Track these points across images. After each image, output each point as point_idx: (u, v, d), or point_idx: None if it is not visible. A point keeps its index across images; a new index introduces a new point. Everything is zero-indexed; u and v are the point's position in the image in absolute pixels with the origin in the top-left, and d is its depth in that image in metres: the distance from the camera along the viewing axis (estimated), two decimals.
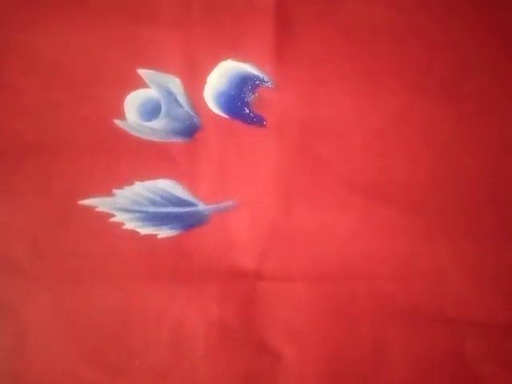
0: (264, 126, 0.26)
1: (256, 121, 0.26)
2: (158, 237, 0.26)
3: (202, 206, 0.26)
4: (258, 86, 0.26)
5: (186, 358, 0.25)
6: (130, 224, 0.26)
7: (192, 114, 0.26)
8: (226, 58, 0.26)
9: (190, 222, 0.26)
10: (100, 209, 0.26)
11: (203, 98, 0.26)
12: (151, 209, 0.26)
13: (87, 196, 0.26)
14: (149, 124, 0.26)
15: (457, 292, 0.25)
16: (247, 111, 0.26)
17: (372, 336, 0.25)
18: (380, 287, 0.25)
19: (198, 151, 0.26)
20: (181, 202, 0.26)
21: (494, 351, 0.25)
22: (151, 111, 0.26)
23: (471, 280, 0.26)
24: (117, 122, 0.26)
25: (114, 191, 0.26)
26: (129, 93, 0.26)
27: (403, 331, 0.25)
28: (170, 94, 0.26)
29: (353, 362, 0.25)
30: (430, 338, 0.25)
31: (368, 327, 0.25)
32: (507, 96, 0.27)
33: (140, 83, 0.26)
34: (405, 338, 0.25)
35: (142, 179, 0.26)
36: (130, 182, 0.26)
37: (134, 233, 0.26)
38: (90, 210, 0.25)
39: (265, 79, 0.26)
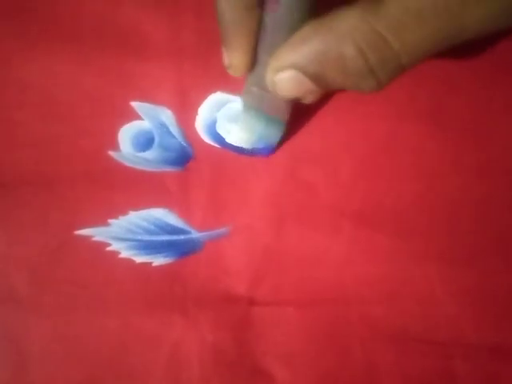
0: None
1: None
2: (153, 264, 0.26)
3: (195, 234, 0.27)
4: None
5: (183, 383, 0.25)
6: (126, 252, 0.26)
7: (184, 144, 0.27)
8: (215, 91, 0.27)
9: (184, 249, 0.26)
10: (96, 238, 0.26)
11: (195, 129, 0.27)
12: (146, 237, 0.27)
13: (84, 226, 0.26)
14: (142, 155, 0.27)
15: (447, 314, 0.26)
16: None
17: (364, 358, 0.25)
18: (371, 310, 0.26)
19: (190, 180, 0.27)
20: (175, 230, 0.27)
21: (484, 372, 0.25)
22: (145, 142, 0.27)
23: (461, 302, 0.26)
24: (111, 153, 0.27)
25: (110, 221, 0.26)
26: (123, 125, 0.27)
27: (394, 353, 0.26)
28: (162, 126, 0.27)
29: (345, 383, 0.25)
30: (421, 360, 0.25)
31: (360, 350, 0.26)
32: (493, 119, 0.27)
33: (134, 115, 0.27)
34: (396, 360, 0.25)
35: (137, 208, 0.27)
36: (124, 212, 0.26)
37: (129, 261, 0.26)
38: (86, 239, 0.26)
39: None
